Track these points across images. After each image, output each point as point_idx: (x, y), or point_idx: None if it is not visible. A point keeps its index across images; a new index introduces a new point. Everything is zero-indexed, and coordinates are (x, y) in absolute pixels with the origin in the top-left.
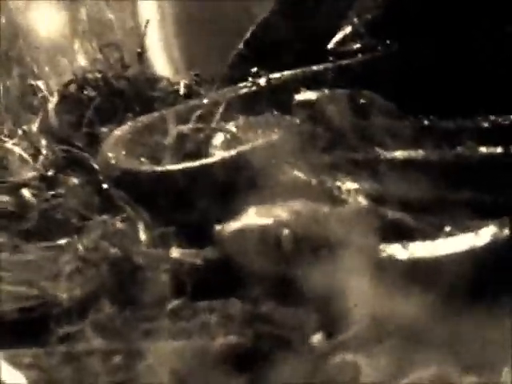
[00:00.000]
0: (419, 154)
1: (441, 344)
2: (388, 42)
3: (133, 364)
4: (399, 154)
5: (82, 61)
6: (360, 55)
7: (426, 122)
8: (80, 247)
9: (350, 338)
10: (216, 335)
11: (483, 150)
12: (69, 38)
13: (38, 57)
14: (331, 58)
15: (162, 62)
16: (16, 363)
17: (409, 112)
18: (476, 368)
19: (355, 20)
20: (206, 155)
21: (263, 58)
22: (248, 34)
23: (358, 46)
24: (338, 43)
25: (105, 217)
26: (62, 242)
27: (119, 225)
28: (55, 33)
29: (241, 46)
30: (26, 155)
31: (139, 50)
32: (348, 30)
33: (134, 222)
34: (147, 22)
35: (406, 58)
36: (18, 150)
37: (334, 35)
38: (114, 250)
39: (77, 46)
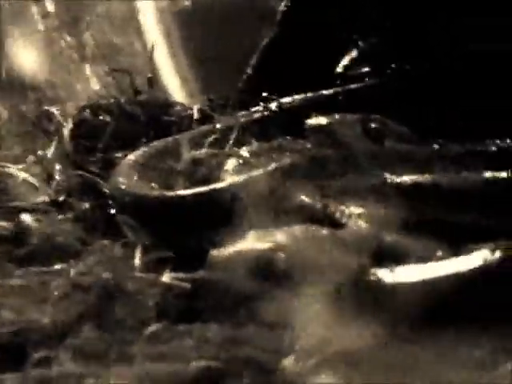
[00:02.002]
0: (427, 178)
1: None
2: (394, 65)
3: None
4: (408, 178)
5: (94, 85)
6: (368, 79)
7: (435, 146)
8: (72, 272)
9: (322, 362)
10: (191, 359)
11: (488, 174)
12: (79, 63)
13: (51, 82)
14: (340, 82)
15: (174, 86)
16: None
17: (419, 135)
18: None
19: (361, 44)
20: (218, 180)
21: (272, 81)
22: (255, 58)
23: (366, 69)
24: (346, 67)
25: (105, 242)
26: (57, 267)
27: (117, 250)
28: (65, 58)
29: (249, 70)
30: (33, 180)
31: (150, 75)
32: (354, 53)
33: (132, 246)
34: (153, 45)
35: (414, 82)
36: (23, 175)
37: (340, 59)
38: (106, 275)
39: (88, 70)
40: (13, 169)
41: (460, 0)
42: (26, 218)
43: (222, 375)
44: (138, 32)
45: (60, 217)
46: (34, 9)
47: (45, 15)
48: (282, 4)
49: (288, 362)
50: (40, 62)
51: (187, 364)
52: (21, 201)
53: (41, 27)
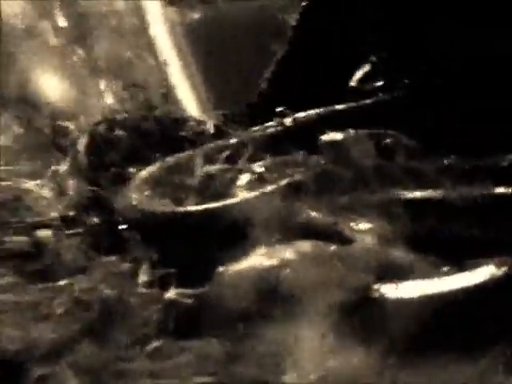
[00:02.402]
0: (437, 193)
1: None
2: (406, 80)
3: None
4: (418, 194)
5: (109, 100)
6: (380, 94)
7: (446, 162)
8: (76, 288)
9: (323, 378)
10: (190, 375)
11: (497, 190)
12: (92, 78)
13: (65, 97)
14: (353, 97)
15: (188, 101)
16: None
17: (431, 151)
18: None
19: (373, 59)
20: (231, 196)
21: (286, 96)
22: (268, 73)
23: (379, 83)
24: (359, 81)
25: (111, 258)
26: (62, 283)
27: (123, 266)
28: (78, 73)
29: (263, 84)
30: (48, 195)
31: (164, 91)
32: (367, 68)
33: (139, 262)
34: (166, 60)
35: (426, 97)
36: (38, 190)
37: (353, 73)
38: (109, 292)
39: (102, 85)
40: (29, 184)
41: (471, 12)
42: (41, 233)
43: None
44: (150, 47)
45: (69, 232)
46: (46, 24)
47: (57, 30)
48: (294, 19)
49: (288, 378)
50: (53, 77)
51: (187, 381)
52: (36, 216)
53: (53, 42)
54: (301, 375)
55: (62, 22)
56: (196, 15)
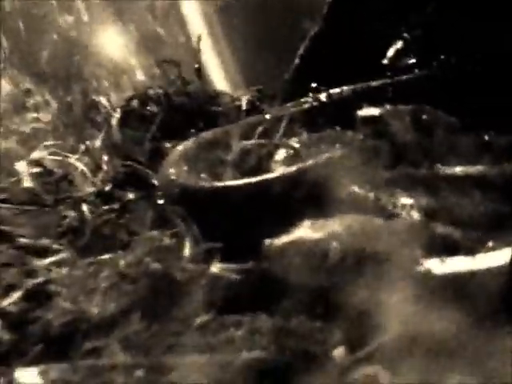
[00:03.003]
0: (478, 169)
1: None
2: (442, 56)
3: (156, 378)
4: (458, 169)
5: (141, 76)
6: (416, 70)
7: (486, 138)
8: (121, 263)
9: (373, 353)
10: (240, 350)
11: None
12: (124, 54)
13: (97, 73)
14: (388, 74)
15: (219, 77)
16: (44, 378)
17: (470, 127)
18: (496, 378)
19: (406, 35)
20: (268, 171)
21: (320, 72)
22: (302, 49)
23: (413, 61)
24: (392, 58)
25: (154, 232)
26: (105, 257)
27: (166, 240)
28: (110, 48)
29: (297, 60)
30: (87, 171)
31: (197, 66)
32: (399, 44)
33: (182, 237)
34: (199, 37)
35: (463, 74)
36: (80, 165)
37: (386, 50)
38: (155, 266)
39: (134, 61)
40: (72, 159)
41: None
42: (85, 208)
43: (271, 366)
44: (182, 24)
45: (106, 207)
46: (79, 1)
47: (89, 7)
48: None
49: (337, 352)
50: (84, 53)
51: (237, 355)
52: (79, 192)
53: (85, 19)
54: (351, 349)
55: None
56: None
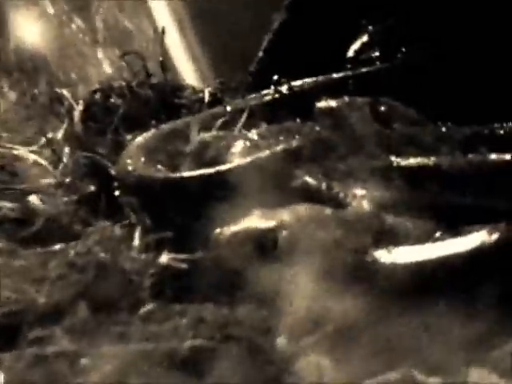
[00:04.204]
0: (431, 160)
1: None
2: (403, 49)
3: (100, 366)
4: (412, 160)
5: (107, 69)
6: (378, 63)
7: (443, 129)
8: (71, 252)
9: (316, 342)
10: (185, 338)
11: (492, 156)
12: (91, 47)
13: (63, 65)
14: (350, 66)
15: (185, 70)
16: None
17: (428, 119)
18: (441, 369)
19: (370, 28)
20: (225, 162)
21: (283, 65)
22: (266, 42)
23: (377, 54)
24: (357, 51)
25: (106, 223)
26: (57, 247)
27: (117, 231)
28: (76, 41)
29: (260, 53)
30: (43, 162)
31: (161, 59)
32: (364, 38)
33: (132, 227)
34: (163, 29)
35: (423, 66)
36: (33, 157)
37: (350, 43)
38: (103, 256)
39: (100, 54)
40: (22, 151)
41: None
42: (34, 199)
43: (216, 355)
44: (149, 16)
45: (65, 199)
46: None
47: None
48: None
49: (281, 340)
50: (51, 45)
51: (183, 344)
52: (30, 183)
53: (50, 10)
54: (294, 337)
55: None
56: None
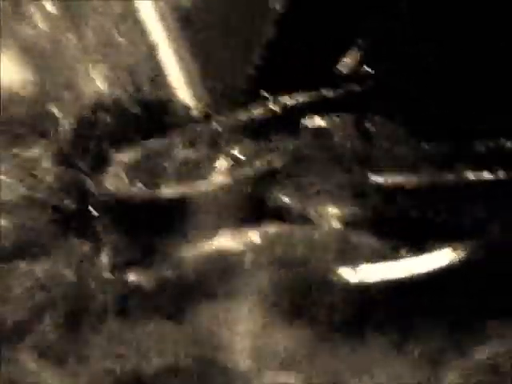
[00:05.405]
0: (409, 178)
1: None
2: (392, 67)
3: None
4: (390, 178)
5: (98, 84)
6: (369, 80)
7: (425, 147)
8: (37, 270)
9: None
10: (149, 358)
11: (470, 175)
12: (80, 61)
13: (51, 80)
14: (340, 83)
15: (177, 86)
16: None
17: (411, 136)
18: None
19: (361, 44)
20: (206, 180)
21: (273, 81)
22: (256, 57)
23: (367, 70)
24: (347, 67)
25: (75, 241)
26: (23, 265)
27: (85, 249)
28: (65, 55)
29: (250, 69)
30: (17, 177)
31: (153, 75)
32: (355, 54)
33: (101, 246)
34: (156, 45)
35: (408, 83)
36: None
37: (340, 59)
38: (69, 275)
39: (90, 69)
40: None
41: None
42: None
43: (181, 374)
44: (140, 31)
45: (39, 216)
46: (33, 8)
47: (45, 15)
48: (282, 3)
49: (244, 361)
50: (41, 62)
51: (148, 362)
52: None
53: (42, 26)
54: (253, 358)
55: (51, 7)
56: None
